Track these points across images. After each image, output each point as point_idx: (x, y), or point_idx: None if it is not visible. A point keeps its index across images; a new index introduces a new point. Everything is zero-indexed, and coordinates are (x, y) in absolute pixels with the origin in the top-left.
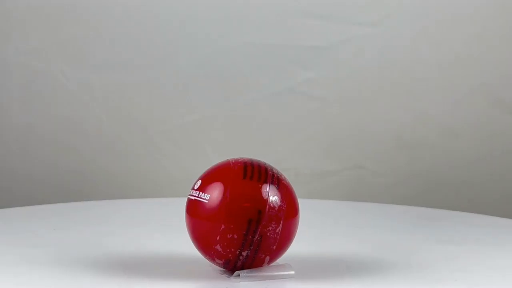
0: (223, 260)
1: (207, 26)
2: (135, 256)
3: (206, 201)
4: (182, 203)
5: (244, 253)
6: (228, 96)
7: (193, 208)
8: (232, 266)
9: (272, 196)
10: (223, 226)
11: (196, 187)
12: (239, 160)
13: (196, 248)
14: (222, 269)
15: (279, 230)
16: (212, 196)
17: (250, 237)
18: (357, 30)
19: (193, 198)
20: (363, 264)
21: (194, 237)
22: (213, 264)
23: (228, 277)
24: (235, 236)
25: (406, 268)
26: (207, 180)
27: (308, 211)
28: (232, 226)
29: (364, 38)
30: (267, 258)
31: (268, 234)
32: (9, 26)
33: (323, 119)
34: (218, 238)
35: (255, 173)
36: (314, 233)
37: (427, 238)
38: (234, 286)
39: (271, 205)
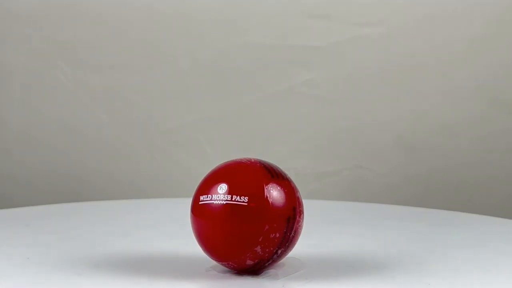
0: (256, 260)
1: (207, 27)
2: (135, 257)
3: (246, 204)
4: (182, 203)
5: (279, 251)
6: (228, 96)
7: (227, 213)
8: (260, 266)
9: (297, 192)
10: (267, 227)
11: (221, 191)
12: (252, 160)
13: (219, 253)
14: (234, 270)
15: (302, 225)
16: (252, 198)
17: (288, 234)
18: (357, 30)
19: (224, 202)
20: (362, 264)
21: (226, 242)
22: (219, 265)
23: (257, 277)
24: (277, 235)
25: (405, 268)
26: (234, 182)
27: (308, 211)
28: (275, 225)
29: (364, 39)
30: (288, 253)
31: (298, 229)
32: (9, 26)
33: (323, 119)
34: (261, 239)
35: (276, 172)
36: (314, 233)
37: (426, 239)
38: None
39: (299, 201)
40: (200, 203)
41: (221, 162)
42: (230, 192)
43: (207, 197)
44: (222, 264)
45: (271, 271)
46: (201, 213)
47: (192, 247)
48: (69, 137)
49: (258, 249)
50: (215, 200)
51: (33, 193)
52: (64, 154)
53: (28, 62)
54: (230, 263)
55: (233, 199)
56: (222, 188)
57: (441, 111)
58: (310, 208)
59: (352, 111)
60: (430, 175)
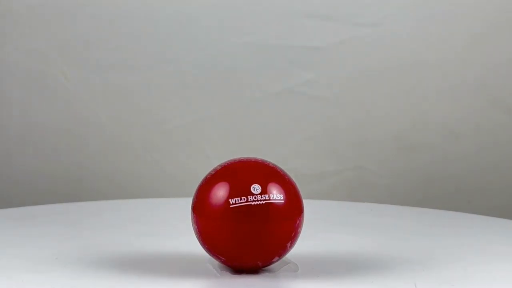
0: (281, 256)
1: (207, 27)
2: (135, 257)
3: (283, 201)
4: (181, 203)
5: (295, 244)
6: (228, 96)
7: (267, 212)
8: (276, 262)
9: None
10: (298, 221)
11: (256, 192)
12: (259, 159)
13: (252, 254)
14: (250, 268)
15: None
16: (286, 195)
17: (302, 227)
18: (357, 31)
19: (263, 202)
20: (362, 264)
21: (264, 241)
22: (223, 267)
23: (275, 273)
24: (301, 229)
25: (405, 268)
26: (265, 181)
27: (308, 211)
28: (301, 219)
29: (364, 39)
30: None
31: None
32: (10, 26)
33: (323, 119)
34: (293, 234)
35: (283, 169)
36: (314, 233)
37: (426, 239)
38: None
39: None
40: (231, 206)
41: (221, 163)
42: (266, 191)
43: (240, 199)
44: (238, 265)
45: (286, 267)
46: (236, 218)
47: (194, 247)
48: (69, 137)
49: (289, 244)
50: (252, 202)
51: (31, 193)
52: (63, 155)
53: (28, 63)
54: (259, 262)
55: (271, 198)
56: (256, 188)
57: (441, 112)
58: (310, 208)
59: (352, 111)
60: (430, 175)
